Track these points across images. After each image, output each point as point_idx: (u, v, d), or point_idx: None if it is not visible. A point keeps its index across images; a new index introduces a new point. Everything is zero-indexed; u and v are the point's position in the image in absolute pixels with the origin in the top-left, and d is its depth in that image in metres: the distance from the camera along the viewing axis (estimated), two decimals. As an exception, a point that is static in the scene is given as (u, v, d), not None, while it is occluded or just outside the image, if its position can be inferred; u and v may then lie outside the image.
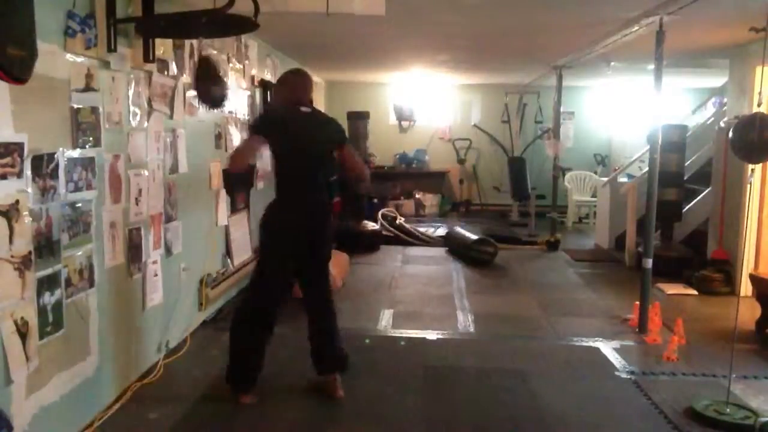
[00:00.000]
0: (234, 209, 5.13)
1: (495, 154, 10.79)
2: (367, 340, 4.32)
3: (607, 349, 4.22)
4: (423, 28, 5.33)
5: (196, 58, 4.06)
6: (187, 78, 4.02)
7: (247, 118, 5.43)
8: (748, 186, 4.87)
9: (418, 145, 10.85)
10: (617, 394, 3.52)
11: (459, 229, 7.70)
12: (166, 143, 3.76)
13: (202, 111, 4.31)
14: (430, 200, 10.51)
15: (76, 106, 2.77)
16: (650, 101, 4.84)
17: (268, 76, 6.13)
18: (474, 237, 7.14)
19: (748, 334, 4.51)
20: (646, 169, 5.37)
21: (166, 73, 3.72)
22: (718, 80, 8.13)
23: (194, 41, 4.05)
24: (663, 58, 4.45)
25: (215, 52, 4.55)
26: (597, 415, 3.27)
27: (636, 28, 4.77)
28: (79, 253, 2.82)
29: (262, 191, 5.95)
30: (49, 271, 2.57)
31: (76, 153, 2.77)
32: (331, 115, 3.76)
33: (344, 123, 5.52)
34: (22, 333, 2.40)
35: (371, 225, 7.78)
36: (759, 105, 3.62)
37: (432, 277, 6.22)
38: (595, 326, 4.71)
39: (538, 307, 5.20)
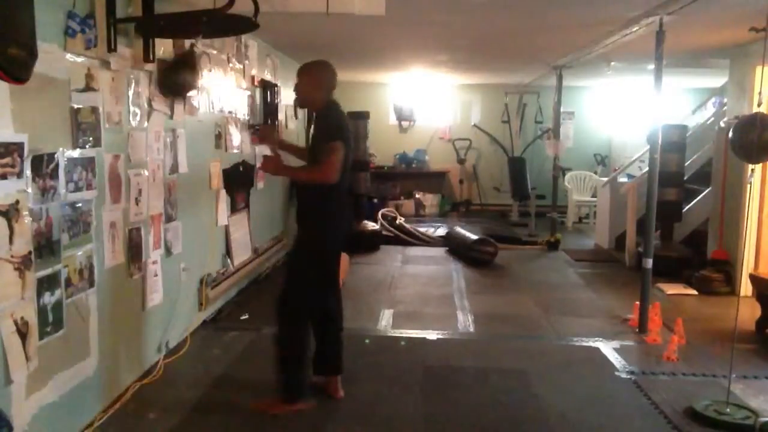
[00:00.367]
0: (234, 209, 5.13)
1: (495, 154, 10.79)
2: (367, 341, 4.32)
3: (607, 349, 4.22)
4: (423, 28, 5.33)
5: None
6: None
7: (247, 118, 5.43)
8: (748, 186, 4.87)
9: (418, 145, 10.85)
10: (617, 394, 3.52)
11: (459, 229, 7.70)
12: (166, 143, 3.76)
13: (203, 111, 4.31)
14: (430, 200, 10.50)
15: (76, 106, 2.77)
16: (650, 101, 4.84)
17: (268, 76, 6.13)
18: (474, 237, 7.14)
19: (748, 334, 4.51)
20: (646, 169, 5.37)
21: (166, 73, 3.72)
22: (718, 80, 8.12)
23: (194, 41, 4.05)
24: (663, 58, 4.45)
25: (215, 51, 4.56)
26: (597, 415, 3.27)
27: (636, 28, 4.77)
28: (79, 253, 2.82)
29: (262, 191, 5.96)
30: (49, 271, 2.57)
31: (76, 153, 2.77)
32: None
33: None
34: (22, 333, 2.40)
35: (371, 225, 7.78)
36: (759, 105, 3.62)
37: (432, 277, 6.22)
38: (595, 326, 4.71)
39: (538, 307, 5.20)
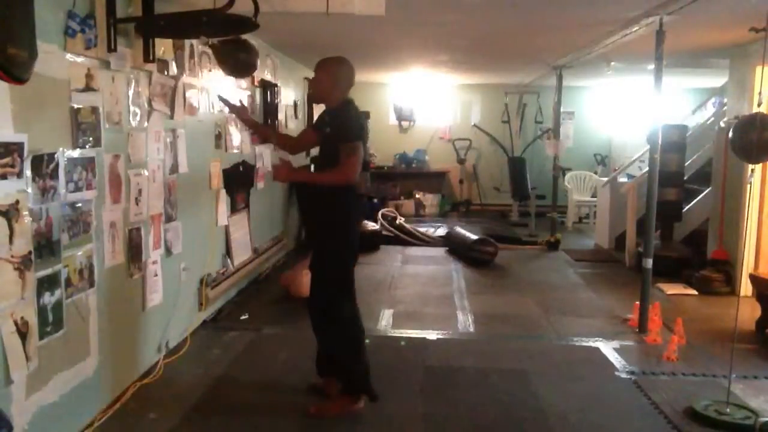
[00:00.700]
0: (234, 209, 5.13)
1: (495, 154, 10.80)
2: (367, 340, 4.30)
3: (607, 349, 4.22)
4: (423, 28, 5.33)
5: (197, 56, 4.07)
6: (187, 78, 4.02)
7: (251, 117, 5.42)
8: (748, 186, 4.87)
9: (418, 145, 10.85)
10: (617, 394, 3.52)
11: (459, 229, 7.70)
12: (166, 143, 3.76)
13: (203, 111, 4.31)
14: (430, 200, 10.50)
15: (76, 106, 2.77)
16: (650, 101, 4.84)
17: (268, 76, 6.13)
18: (474, 237, 7.14)
19: (748, 334, 4.51)
20: (646, 169, 5.37)
21: (166, 73, 3.72)
22: (718, 80, 8.13)
23: (194, 41, 4.05)
24: (663, 58, 4.45)
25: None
26: (597, 415, 3.26)
27: (636, 28, 4.77)
28: (79, 253, 2.82)
29: (262, 191, 5.96)
30: (49, 271, 2.57)
31: (76, 153, 2.77)
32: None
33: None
34: (22, 333, 2.40)
35: (371, 225, 7.79)
36: (759, 105, 3.62)
37: (432, 277, 6.22)
38: (595, 326, 4.71)
39: (538, 307, 5.20)
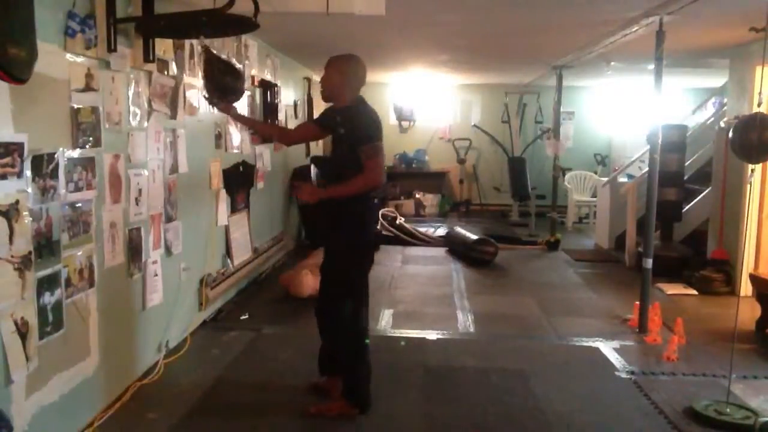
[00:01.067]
0: (234, 209, 5.13)
1: (495, 154, 10.80)
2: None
3: (607, 349, 4.22)
4: (423, 28, 5.33)
5: (198, 52, 4.03)
6: (187, 78, 4.02)
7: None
8: (748, 186, 4.88)
9: (418, 145, 10.85)
10: (617, 394, 3.52)
11: (459, 229, 7.70)
12: (166, 143, 3.76)
13: (203, 111, 4.31)
14: (430, 200, 10.50)
15: (76, 106, 2.77)
16: (650, 101, 4.84)
17: (268, 76, 6.13)
18: (474, 237, 7.14)
19: (748, 334, 4.51)
20: (646, 169, 5.37)
21: (166, 73, 3.72)
22: (718, 80, 8.13)
23: (194, 41, 4.05)
24: (663, 58, 4.45)
25: (215, 51, 4.54)
26: (597, 414, 3.26)
27: (636, 28, 4.77)
28: (79, 253, 2.82)
29: (262, 191, 5.96)
30: (49, 271, 2.57)
31: (76, 153, 2.77)
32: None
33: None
34: (22, 333, 2.40)
35: (371, 225, 7.77)
36: (759, 105, 3.62)
37: (432, 277, 6.22)
38: (595, 326, 4.71)
39: (538, 307, 5.20)
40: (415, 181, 10.63)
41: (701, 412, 3.18)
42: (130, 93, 3.30)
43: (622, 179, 7.95)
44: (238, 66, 5.06)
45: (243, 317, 4.78)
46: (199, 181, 4.38)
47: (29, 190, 2.44)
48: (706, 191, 6.68)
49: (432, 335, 4.46)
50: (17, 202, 2.35)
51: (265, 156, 5.99)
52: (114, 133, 3.13)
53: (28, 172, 2.42)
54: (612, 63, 7.08)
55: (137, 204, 3.38)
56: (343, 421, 3.12)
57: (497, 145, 10.60)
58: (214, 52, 3.68)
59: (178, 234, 3.94)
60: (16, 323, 2.36)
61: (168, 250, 3.81)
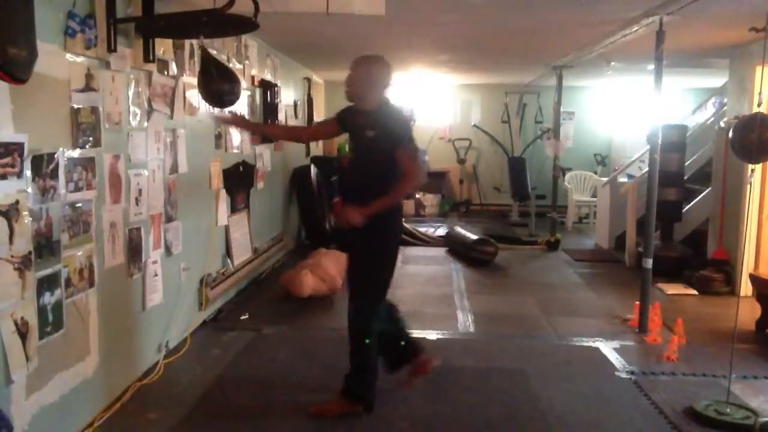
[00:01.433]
0: (234, 209, 5.13)
1: (495, 154, 10.80)
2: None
3: (607, 349, 4.22)
4: (423, 28, 5.33)
5: (197, 56, 4.04)
6: (187, 78, 4.02)
7: (247, 118, 5.42)
8: (748, 186, 4.88)
9: (418, 145, 10.82)
10: (617, 394, 3.52)
11: (459, 229, 7.69)
12: (166, 143, 3.76)
13: (203, 111, 4.31)
14: (430, 200, 10.49)
15: (76, 106, 2.77)
16: (650, 101, 4.84)
17: (268, 77, 6.13)
18: (474, 237, 7.14)
19: (748, 334, 4.51)
20: (646, 169, 5.37)
21: (166, 73, 3.72)
22: (718, 80, 8.12)
23: (194, 41, 4.05)
24: (663, 58, 4.45)
25: (215, 52, 4.55)
26: (597, 415, 3.26)
27: (636, 28, 4.77)
28: (79, 253, 2.82)
29: (262, 191, 5.96)
30: (49, 271, 2.57)
31: (76, 153, 2.77)
32: (331, 115, 3.70)
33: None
34: (22, 333, 2.40)
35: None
36: (759, 105, 3.62)
37: (432, 277, 6.22)
38: (595, 326, 4.71)
39: (538, 307, 5.20)
40: (416, 181, 10.60)
41: (701, 412, 3.18)
42: (130, 93, 3.30)
43: (622, 179, 7.95)
44: (237, 66, 5.08)
45: (243, 317, 4.77)
46: (199, 181, 4.38)
47: (29, 190, 2.44)
48: (706, 191, 6.68)
49: (432, 335, 4.46)
50: (17, 202, 2.35)
51: (265, 156, 5.99)
52: (114, 133, 3.13)
53: (28, 172, 2.42)
54: (612, 63, 7.08)
55: (137, 204, 3.38)
56: (343, 421, 3.12)
57: (497, 145, 10.60)
58: (214, 53, 3.68)
59: (178, 234, 3.94)
60: (16, 323, 2.36)
61: (168, 250, 3.81)
